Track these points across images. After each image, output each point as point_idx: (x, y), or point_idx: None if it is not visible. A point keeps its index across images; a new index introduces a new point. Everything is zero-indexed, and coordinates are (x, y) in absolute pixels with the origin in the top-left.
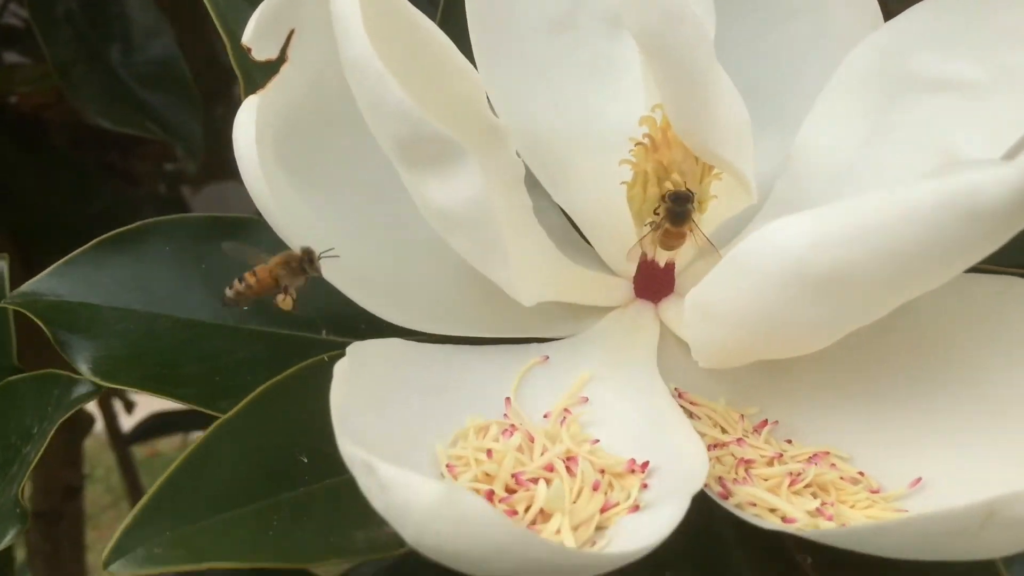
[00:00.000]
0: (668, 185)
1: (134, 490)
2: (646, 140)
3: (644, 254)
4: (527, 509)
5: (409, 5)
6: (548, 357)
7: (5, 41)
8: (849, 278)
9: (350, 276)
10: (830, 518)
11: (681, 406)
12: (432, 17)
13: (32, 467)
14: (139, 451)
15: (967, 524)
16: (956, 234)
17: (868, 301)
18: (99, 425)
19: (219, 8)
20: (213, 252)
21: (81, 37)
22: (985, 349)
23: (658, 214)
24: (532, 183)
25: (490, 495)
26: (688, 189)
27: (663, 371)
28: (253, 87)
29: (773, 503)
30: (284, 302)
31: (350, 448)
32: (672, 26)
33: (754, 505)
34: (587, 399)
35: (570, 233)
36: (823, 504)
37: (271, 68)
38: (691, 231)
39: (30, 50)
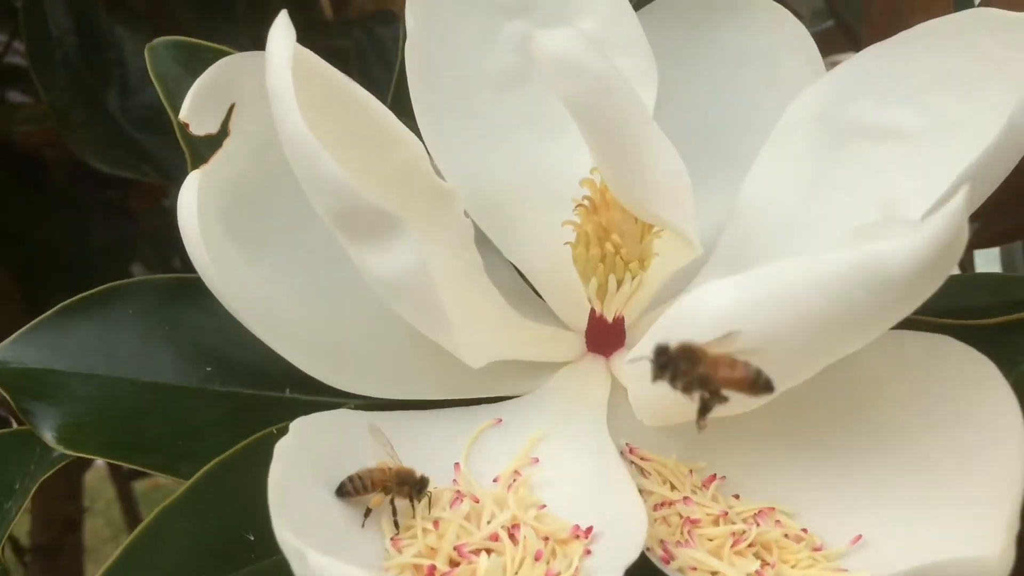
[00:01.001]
0: (609, 246)
1: (134, 523)
2: (586, 202)
3: (593, 309)
4: None
5: (344, 77)
6: (501, 420)
7: (7, 80)
8: (770, 343)
9: (296, 343)
10: None
11: (632, 462)
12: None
13: (12, 523)
14: (140, 484)
15: None
16: (865, 302)
17: (792, 364)
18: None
19: (165, 84)
20: (176, 313)
21: (78, 82)
22: (918, 407)
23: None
24: (483, 239)
25: (431, 571)
26: None
27: (616, 426)
28: (198, 160)
29: (714, 567)
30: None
31: (284, 534)
32: (600, 95)
33: (695, 569)
34: (537, 459)
35: (523, 289)
36: (764, 565)
37: (215, 141)
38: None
39: (32, 89)
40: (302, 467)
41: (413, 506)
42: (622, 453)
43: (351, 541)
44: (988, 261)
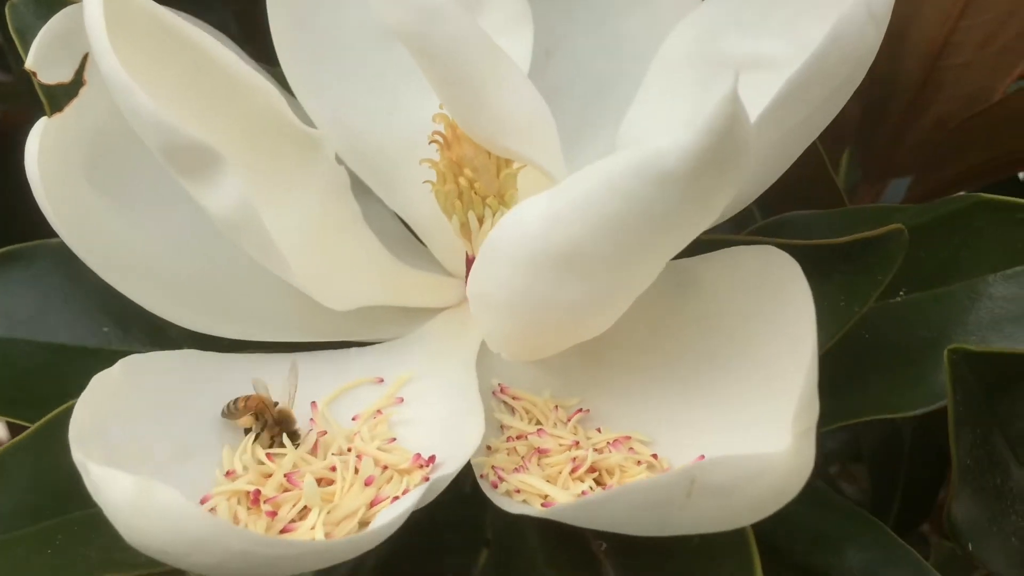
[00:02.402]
0: (463, 180)
1: None
2: (439, 138)
3: (467, 252)
4: (295, 508)
5: (189, 27)
6: (383, 379)
7: None
8: (583, 251)
9: (156, 289)
10: None
11: (503, 400)
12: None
13: None
14: None
15: (672, 493)
16: (654, 199)
17: (613, 271)
18: None
19: (24, 39)
20: (73, 275)
21: None
22: (755, 320)
23: None
24: (368, 189)
25: (256, 495)
26: None
27: (493, 368)
28: (57, 110)
29: (543, 489)
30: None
31: (74, 452)
32: (431, 24)
33: (519, 492)
34: (402, 399)
35: (408, 238)
36: (595, 487)
37: (74, 91)
38: None
39: (11, 67)
40: (125, 401)
41: (272, 443)
42: (493, 392)
43: (179, 471)
44: None
